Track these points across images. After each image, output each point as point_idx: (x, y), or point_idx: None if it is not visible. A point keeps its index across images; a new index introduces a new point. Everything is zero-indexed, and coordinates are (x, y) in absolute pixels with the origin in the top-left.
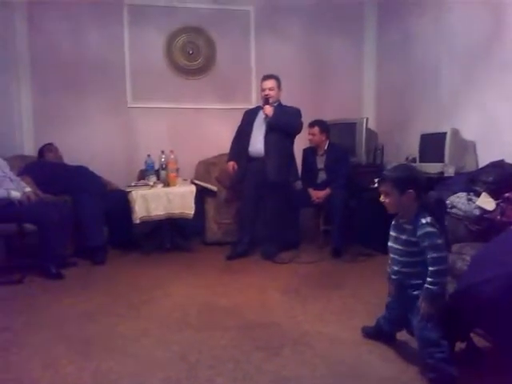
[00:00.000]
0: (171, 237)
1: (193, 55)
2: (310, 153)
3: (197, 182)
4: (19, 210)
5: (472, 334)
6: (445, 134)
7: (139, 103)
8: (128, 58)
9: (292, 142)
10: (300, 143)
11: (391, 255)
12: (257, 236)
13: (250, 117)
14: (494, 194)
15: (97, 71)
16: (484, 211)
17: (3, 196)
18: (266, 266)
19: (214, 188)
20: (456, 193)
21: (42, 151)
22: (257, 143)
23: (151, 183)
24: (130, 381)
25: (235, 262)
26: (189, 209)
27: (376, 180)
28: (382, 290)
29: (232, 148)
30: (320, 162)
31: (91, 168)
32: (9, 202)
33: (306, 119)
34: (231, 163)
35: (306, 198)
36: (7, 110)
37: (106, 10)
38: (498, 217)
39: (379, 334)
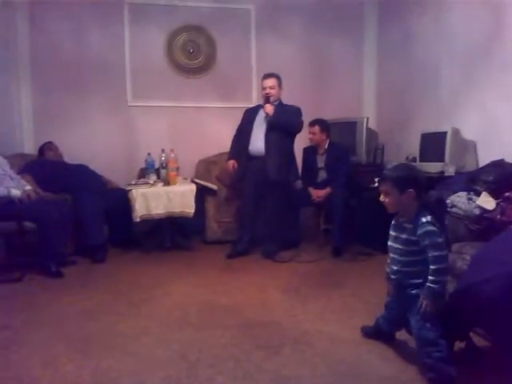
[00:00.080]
0: (171, 235)
1: (193, 54)
2: (310, 152)
3: (197, 180)
4: (19, 208)
5: (471, 334)
6: (445, 133)
7: (139, 102)
8: (128, 56)
9: (292, 141)
10: (300, 142)
11: (391, 255)
12: (257, 235)
13: (250, 115)
14: (494, 194)
15: (97, 70)
16: (484, 210)
17: (3, 194)
18: (266, 265)
19: (215, 187)
20: (456, 192)
21: (42, 149)
22: (257, 142)
23: (151, 182)
24: (130, 379)
25: (235, 260)
26: (189, 207)
27: (376, 179)
28: (382, 290)
29: (232, 147)
30: (320, 161)
31: (91, 166)
32: (9, 200)
33: (306, 118)
34: (231, 162)
35: (307, 197)
36: (7, 110)
37: (106, 10)
38: (498, 216)
39: (378, 333)
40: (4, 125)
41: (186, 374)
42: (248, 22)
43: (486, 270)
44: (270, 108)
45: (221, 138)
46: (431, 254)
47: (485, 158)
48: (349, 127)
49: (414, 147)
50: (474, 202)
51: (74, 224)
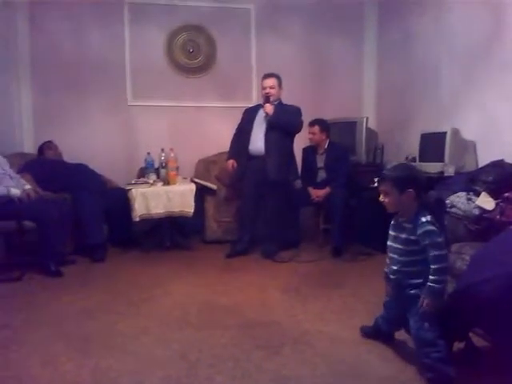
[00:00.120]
0: (171, 235)
1: (193, 53)
2: (310, 152)
3: (197, 180)
4: (19, 207)
5: (471, 334)
6: (445, 133)
7: (139, 101)
8: (128, 56)
9: (292, 141)
10: (300, 142)
11: (390, 254)
12: (257, 234)
13: (250, 115)
14: (494, 194)
15: (97, 70)
16: (483, 211)
17: (3, 193)
18: (265, 265)
19: (214, 186)
20: (456, 192)
21: (41, 149)
22: (257, 141)
23: (151, 181)
24: (129, 379)
25: (235, 260)
26: (188, 207)
27: (376, 179)
28: (381, 290)
29: (232, 146)
30: (320, 161)
31: (91, 166)
32: (8, 200)
33: (306, 118)
34: (231, 161)
35: (306, 196)
36: (7, 109)
37: (106, 9)
38: (498, 216)
39: (378, 333)
40: (4, 124)
41: (185, 373)
42: (248, 21)
43: (486, 270)
44: (269, 108)
45: (220, 138)
46: (431, 253)
47: (484, 159)
48: (348, 127)
49: (413, 147)
50: (474, 202)
51: (73, 223)
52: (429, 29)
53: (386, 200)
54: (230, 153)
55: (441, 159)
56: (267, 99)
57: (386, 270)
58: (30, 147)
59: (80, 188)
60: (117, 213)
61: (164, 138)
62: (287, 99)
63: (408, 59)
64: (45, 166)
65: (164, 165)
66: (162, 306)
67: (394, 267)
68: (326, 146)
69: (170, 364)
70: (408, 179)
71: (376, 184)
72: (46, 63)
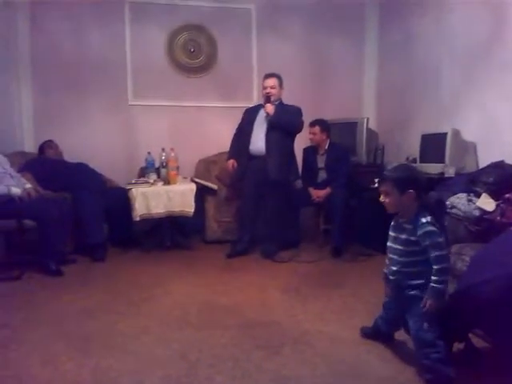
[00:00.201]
0: (171, 235)
1: (194, 53)
2: (310, 152)
3: (197, 180)
4: (19, 206)
5: (470, 335)
6: (445, 134)
7: (140, 101)
8: (129, 55)
9: (293, 141)
10: (301, 142)
11: (390, 255)
12: (257, 234)
13: (250, 115)
14: (494, 195)
15: (98, 69)
16: (484, 212)
17: (3, 192)
18: (265, 265)
19: (215, 186)
20: (456, 193)
21: (42, 148)
22: (258, 141)
23: (151, 181)
24: (129, 378)
25: (235, 260)
26: (189, 207)
27: (376, 180)
28: (381, 290)
29: (232, 146)
30: (320, 162)
31: (92, 165)
32: (9, 199)
33: (306, 118)
34: (231, 161)
35: (307, 197)
36: (8, 108)
37: (107, 9)
38: (498, 218)
39: (377, 334)
40: (4, 123)
41: (185, 373)
42: (249, 21)
43: (486, 271)
44: (270, 108)
45: (221, 138)
46: (433, 254)
47: (485, 160)
48: (349, 127)
49: (414, 148)
50: (474, 203)
51: (73, 222)
52: (429, 30)
53: (387, 200)
54: (230, 153)
55: (441, 160)
56: (268, 99)
57: (385, 270)
58: (30, 146)
59: (80, 187)
60: (117, 212)
61: (164, 138)
62: (288, 99)
63: (409, 60)
64: (45, 165)
65: (164, 164)
66: (162, 306)
67: (394, 268)
68: (326, 147)
69: (170, 364)
70: (409, 180)
71: (376, 184)
72: (47, 63)
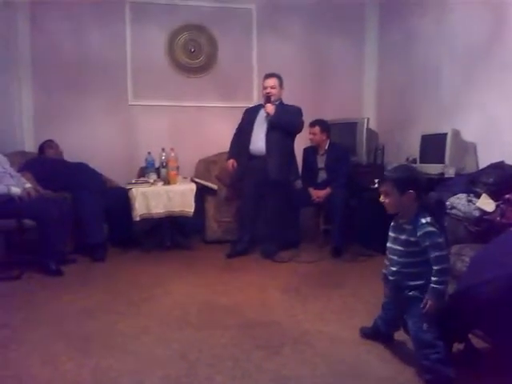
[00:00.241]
0: (171, 235)
1: (194, 53)
2: (310, 152)
3: (197, 180)
4: (19, 206)
5: (470, 335)
6: (445, 134)
7: (140, 101)
8: (129, 55)
9: (293, 141)
10: (301, 142)
11: (390, 256)
12: (257, 234)
13: (250, 115)
14: (494, 196)
15: (98, 69)
16: (484, 212)
17: (3, 192)
18: (265, 265)
19: (214, 186)
20: (456, 194)
21: (42, 148)
22: (258, 141)
23: (151, 181)
24: (129, 378)
25: (235, 260)
26: (189, 207)
27: (376, 180)
28: (381, 290)
29: (232, 146)
30: (320, 162)
31: (92, 165)
32: (9, 198)
33: (306, 118)
34: (231, 161)
35: (307, 197)
36: (8, 108)
37: (107, 9)
38: (498, 218)
39: (377, 334)
40: (4, 123)
41: (185, 373)
42: (249, 21)
43: (486, 271)
44: (271, 108)
45: (221, 138)
46: (433, 254)
47: (485, 160)
48: (349, 128)
49: (414, 148)
50: (474, 203)
51: (73, 222)
52: (429, 30)
53: (387, 201)
54: (230, 152)
55: (441, 160)
56: (268, 99)
57: (384, 271)
58: (30, 146)
59: (80, 187)
60: (117, 212)
61: (165, 138)
62: (288, 99)
63: (409, 60)
64: (45, 165)
65: (164, 164)
66: (162, 306)
67: (394, 268)
68: (326, 147)
69: (169, 364)
70: (409, 180)
71: (376, 185)
72: (47, 63)
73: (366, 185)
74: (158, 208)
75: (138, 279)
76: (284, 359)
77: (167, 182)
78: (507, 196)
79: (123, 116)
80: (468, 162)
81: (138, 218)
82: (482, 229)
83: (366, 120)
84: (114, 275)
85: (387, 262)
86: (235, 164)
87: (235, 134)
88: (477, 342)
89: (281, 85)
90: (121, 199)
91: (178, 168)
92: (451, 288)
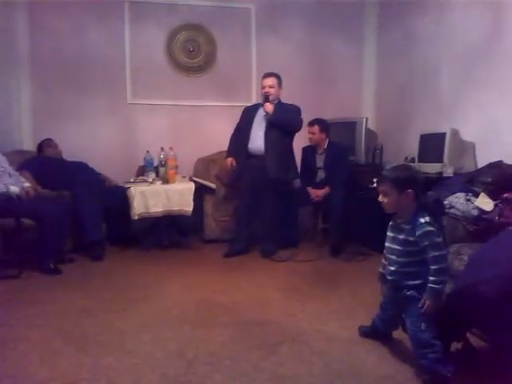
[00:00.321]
0: (169, 234)
1: (193, 52)
2: (309, 151)
3: (196, 179)
4: (18, 205)
5: (468, 334)
6: (444, 134)
7: (139, 100)
8: (128, 54)
9: (291, 140)
10: (300, 142)
11: (388, 255)
12: (255, 234)
13: (249, 114)
14: (493, 195)
15: (97, 68)
16: (482, 212)
17: (2, 191)
18: (264, 264)
19: (213, 185)
20: (454, 193)
21: (41, 146)
22: (257, 140)
23: (150, 180)
24: (128, 377)
25: (234, 259)
26: (187, 206)
27: (375, 179)
28: (379, 289)
29: (230, 144)
30: (319, 161)
31: (90, 164)
32: (7, 197)
33: (306, 118)
34: (230, 159)
35: (305, 196)
36: (7, 107)
37: (107, 8)
38: (496, 217)
39: (375, 333)
40: (3, 122)
41: (183, 371)
42: (248, 21)
43: (484, 270)
44: (269, 107)
45: (220, 137)
46: (431, 254)
47: (483, 160)
48: (348, 127)
49: (412, 148)
50: (472, 203)
51: (72, 221)
52: (429, 29)
53: (385, 200)
54: (228, 151)
55: (440, 160)
56: (266, 98)
57: (381, 270)
58: (29, 145)
59: (79, 186)
60: (115, 211)
61: (163, 137)
62: (287, 99)
63: (408, 60)
64: (44, 164)
65: (163, 163)
66: (161, 305)
67: (392, 268)
68: (325, 146)
69: (168, 362)
70: (407, 180)
71: (375, 184)
72: (46, 61)
73: (364, 184)
74: (157, 207)
75: (137, 278)
76: (282, 358)
77: (166, 181)
78: (505, 195)
79: (122, 115)
80: (466, 161)
81: (136, 217)
82: (481, 228)
83: (364, 119)
84: (113, 274)
85: (385, 262)
86: (234, 162)
87: (234, 133)
88: (474, 341)
89: (279, 84)
90: (119, 198)
91: (176, 167)
92: (449, 287)
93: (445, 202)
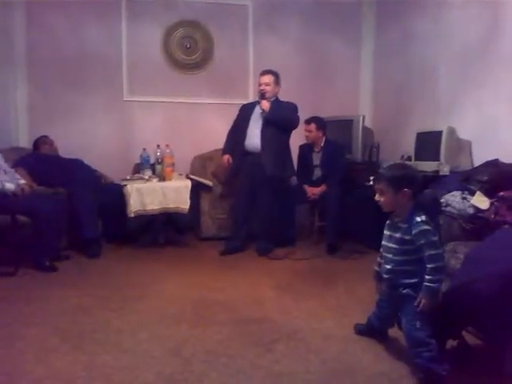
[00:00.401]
0: (166, 231)
1: (190, 49)
2: (306, 149)
3: (192, 176)
4: (13, 202)
5: (464, 332)
6: (441, 132)
7: (135, 97)
8: (125, 51)
9: (288, 137)
10: (297, 139)
11: (384, 254)
12: (252, 232)
13: (246, 111)
14: (489, 193)
15: (94, 65)
16: (478, 210)
17: None
18: (260, 262)
19: (210, 183)
20: (451, 191)
21: (37, 143)
22: (253, 137)
23: (146, 177)
24: (124, 375)
25: (230, 257)
26: (184, 203)
27: (371, 177)
28: (375, 288)
29: (227, 141)
30: (316, 159)
31: (86, 161)
32: (3, 194)
33: (303, 116)
34: (226, 156)
35: (302, 194)
36: (3, 104)
37: (104, 5)
38: (492, 216)
39: (371, 331)
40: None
41: (180, 369)
42: (245, 18)
43: (480, 268)
44: (266, 104)
45: (217, 135)
46: (427, 252)
47: (480, 158)
48: (345, 125)
49: (409, 146)
50: (469, 201)
51: (68, 219)
52: (427, 28)
53: (382, 199)
54: (225, 148)
55: (436, 158)
56: (263, 96)
57: (376, 268)
58: (25, 142)
59: (75, 183)
60: (111, 208)
61: (160, 134)
62: (284, 97)
63: (405, 58)
64: (40, 161)
65: (160, 161)
66: (157, 303)
67: (388, 266)
68: (322, 144)
69: (164, 360)
70: (404, 179)
71: (371, 182)
72: (42, 59)
73: (361, 182)
74: (153, 204)
75: (133, 276)
76: (278, 356)
77: (162, 178)
78: (501, 194)
79: (118, 112)
80: (463, 159)
81: (132, 215)
82: (476, 226)
83: (361, 117)
84: (109, 272)
85: (380, 260)
86: (230, 159)
87: (230, 130)
88: (470, 339)
89: (276, 82)
90: (115, 195)
91: (173, 164)
92: (445, 285)
93: (441, 200)
